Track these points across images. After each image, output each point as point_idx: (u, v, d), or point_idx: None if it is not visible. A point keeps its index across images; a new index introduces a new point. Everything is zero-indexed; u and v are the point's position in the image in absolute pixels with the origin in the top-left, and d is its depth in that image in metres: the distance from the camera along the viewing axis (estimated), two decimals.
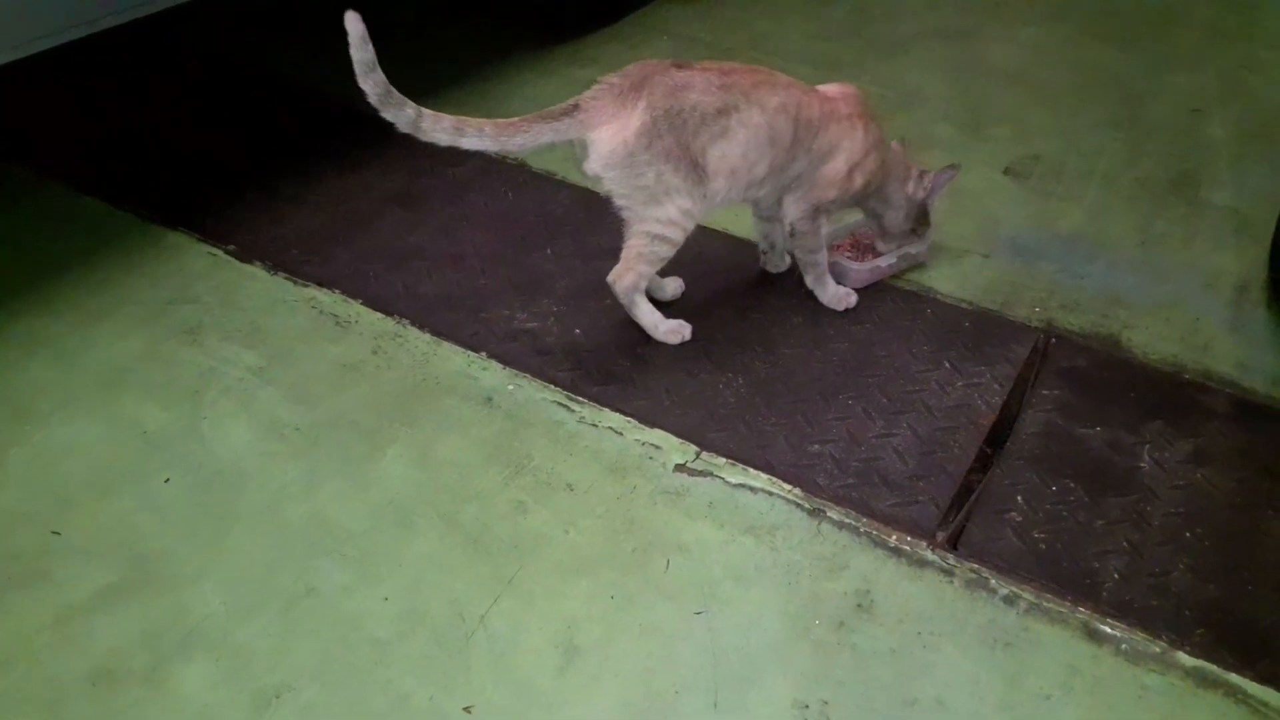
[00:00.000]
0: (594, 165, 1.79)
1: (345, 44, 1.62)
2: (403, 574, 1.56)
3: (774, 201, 2.00)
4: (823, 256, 2.05)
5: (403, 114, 1.70)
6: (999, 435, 1.81)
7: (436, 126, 1.72)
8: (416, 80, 1.76)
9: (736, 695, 1.40)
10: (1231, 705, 1.39)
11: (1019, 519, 1.64)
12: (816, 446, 1.77)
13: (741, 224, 2.26)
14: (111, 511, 1.66)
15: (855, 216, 2.22)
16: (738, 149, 1.82)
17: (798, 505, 1.67)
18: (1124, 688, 1.41)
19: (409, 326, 2.04)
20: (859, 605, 1.51)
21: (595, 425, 1.82)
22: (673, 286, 2.10)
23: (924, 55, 3.15)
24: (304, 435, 1.80)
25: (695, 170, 1.80)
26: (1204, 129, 2.75)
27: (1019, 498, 1.68)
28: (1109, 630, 1.48)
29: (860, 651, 1.45)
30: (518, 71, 3.04)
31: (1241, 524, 1.64)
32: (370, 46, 1.63)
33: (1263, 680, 1.41)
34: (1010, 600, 1.52)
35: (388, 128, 1.72)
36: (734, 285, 2.17)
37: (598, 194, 1.87)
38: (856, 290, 2.10)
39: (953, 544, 1.61)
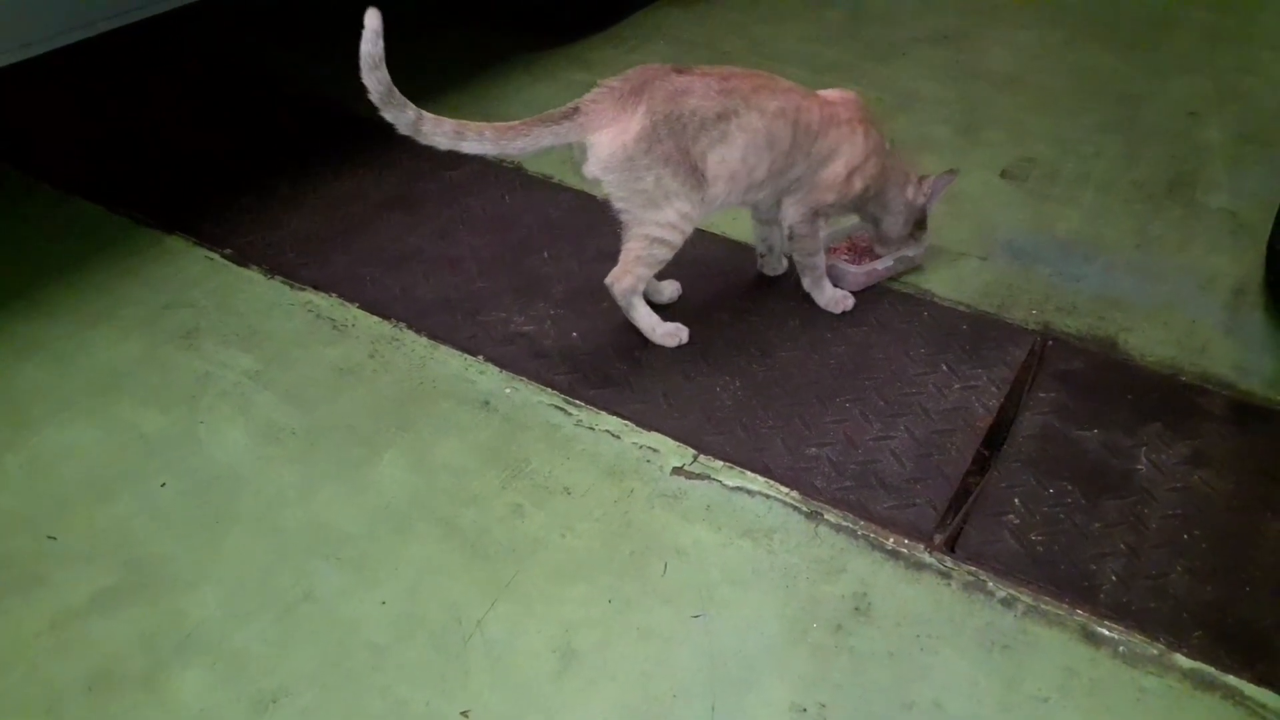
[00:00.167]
0: (593, 168, 1.79)
1: (343, 47, 1.62)
2: (400, 578, 1.56)
3: (773, 205, 2.00)
4: (820, 259, 2.05)
5: (403, 115, 1.70)
6: (996, 438, 1.81)
7: (437, 130, 1.72)
8: (414, 83, 1.76)
9: (734, 699, 1.39)
10: (1229, 707, 1.39)
11: (1016, 521, 1.64)
12: (814, 449, 1.77)
13: (739, 227, 2.26)
14: (108, 516, 1.66)
15: (853, 220, 2.22)
16: (737, 153, 1.82)
17: (795, 508, 1.67)
18: (1122, 690, 1.41)
19: (406, 330, 2.04)
20: (856, 608, 1.51)
21: (593, 428, 1.81)
22: (670, 289, 2.10)
23: (921, 58, 3.15)
24: (301, 439, 1.80)
25: (694, 174, 1.80)
26: (1201, 132, 2.75)
27: (1016, 500, 1.68)
28: (1106, 632, 1.48)
29: (858, 654, 1.45)
30: (516, 74, 3.04)
31: (1239, 526, 1.64)
32: (381, 43, 1.63)
33: (1260, 682, 1.41)
34: (1008, 603, 1.52)
35: (385, 131, 1.72)
36: (731, 288, 2.17)
37: (595, 197, 1.87)
38: (854, 293, 2.10)
39: (950, 546, 1.61)
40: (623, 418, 1.83)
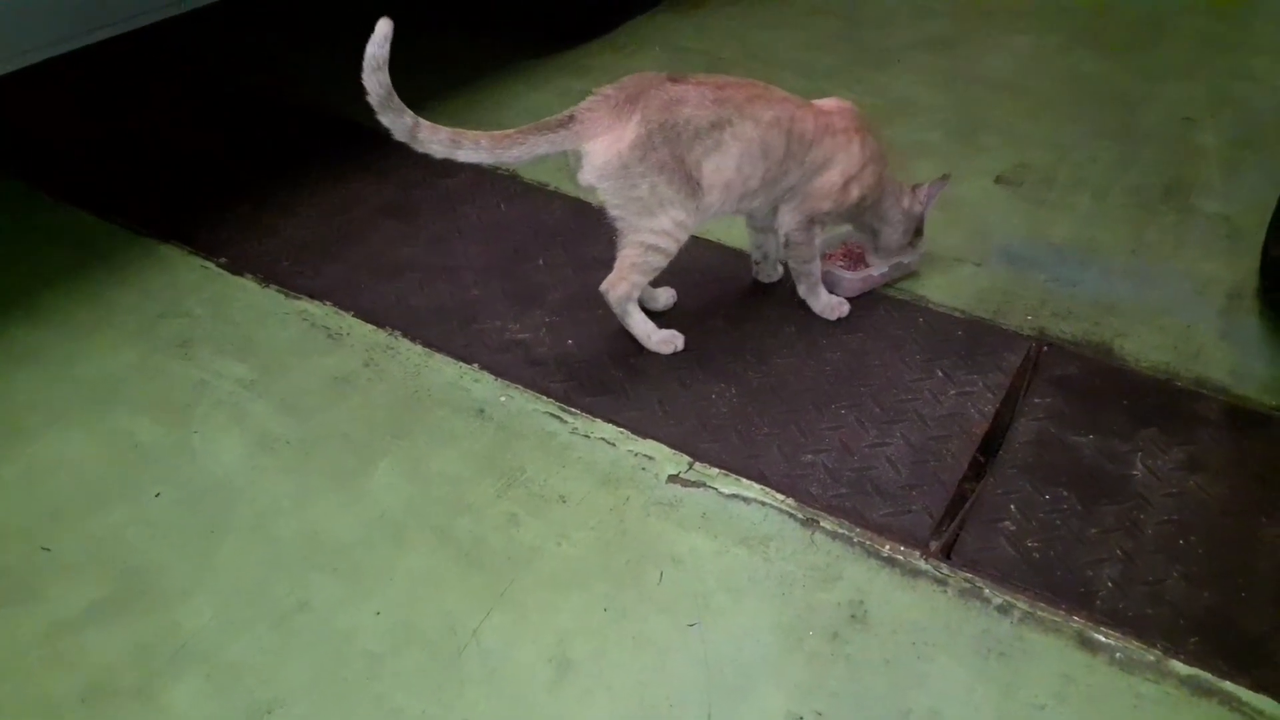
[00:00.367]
0: (588, 176, 1.79)
1: (338, 54, 1.62)
2: (395, 588, 1.55)
3: (768, 213, 2.01)
4: (816, 266, 2.05)
5: (400, 121, 1.70)
6: (992, 444, 1.81)
7: (433, 138, 1.72)
8: (412, 88, 1.76)
9: (730, 707, 1.39)
10: (1226, 713, 1.38)
11: (1012, 528, 1.64)
12: (810, 456, 1.77)
13: (734, 234, 2.26)
14: (102, 526, 1.65)
15: (847, 227, 2.22)
16: (732, 162, 1.82)
17: (791, 515, 1.66)
18: (1118, 697, 1.40)
19: (401, 338, 2.04)
20: (853, 616, 1.51)
21: (588, 436, 1.81)
22: (665, 296, 2.10)
23: (916, 65, 3.16)
24: (296, 449, 1.79)
25: (689, 183, 1.80)
26: (1195, 137, 2.76)
27: (1012, 506, 1.68)
28: (1103, 639, 1.47)
29: (854, 662, 1.45)
30: (513, 81, 3.04)
31: (1235, 531, 1.64)
32: (388, 48, 1.63)
33: (1257, 688, 1.40)
34: (1004, 609, 1.52)
35: (381, 139, 1.72)
36: (727, 295, 2.17)
37: (590, 204, 1.87)
38: (849, 299, 2.10)
39: (946, 553, 1.61)
40: (618, 425, 1.83)
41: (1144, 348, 2.02)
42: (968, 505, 1.69)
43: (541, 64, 3.13)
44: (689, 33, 3.37)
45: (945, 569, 1.57)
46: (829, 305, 2.08)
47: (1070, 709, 1.39)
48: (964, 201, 2.44)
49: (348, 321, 2.08)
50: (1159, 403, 1.89)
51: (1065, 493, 1.70)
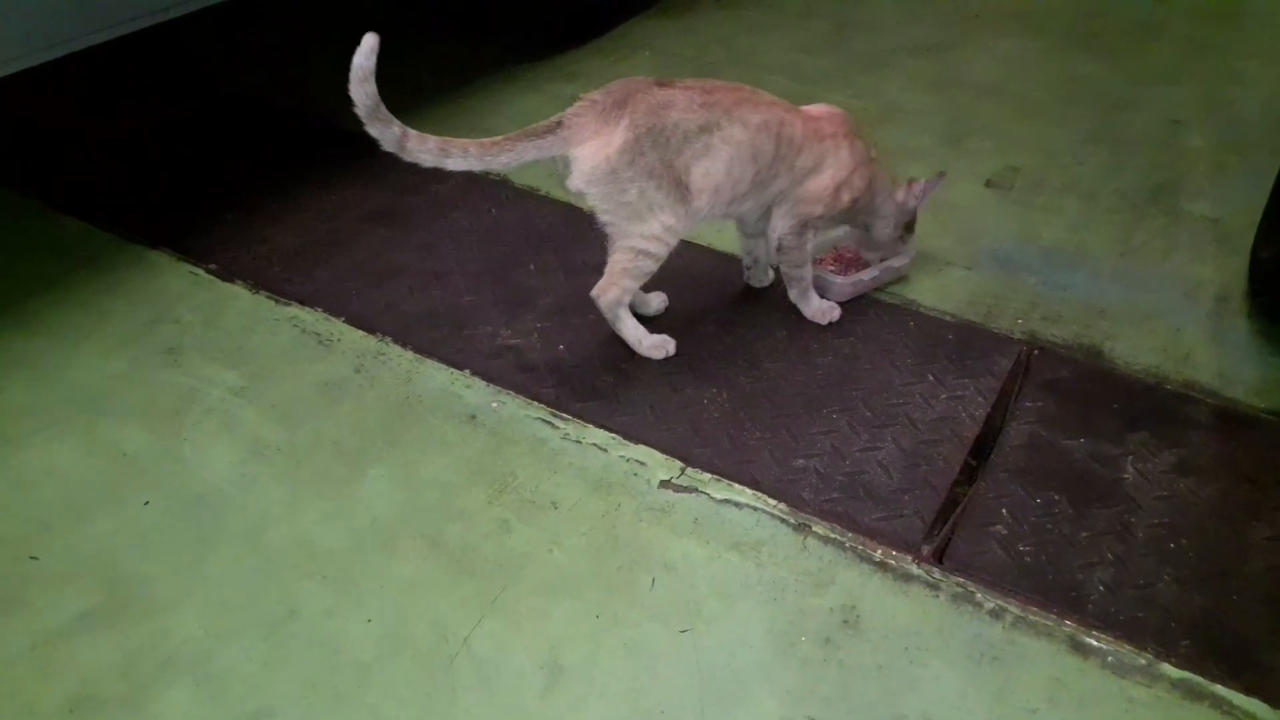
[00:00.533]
0: (577, 181, 1.79)
1: (329, 62, 1.61)
2: (385, 596, 1.55)
3: (758, 218, 2.01)
4: (808, 271, 2.05)
5: (388, 131, 1.70)
6: (983, 448, 1.81)
7: (421, 147, 1.72)
8: (400, 95, 1.76)
9: (723, 713, 1.39)
10: (1218, 717, 1.38)
11: (1004, 532, 1.64)
12: (801, 461, 1.77)
13: (725, 239, 2.26)
14: (90, 535, 1.64)
15: (839, 231, 2.23)
16: (721, 166, 1.82)
17: (783, 520, 1.66)
18: (1110, 701, 1.41)
19: (392, 344, 2.03)
20: (845, 621, 1.51)
21: (579, 442, 1.81)
22: (657, 301, 2.10)
23: (905, 69, 3.16)
24: (286, 456, 1.79)
25: (678, 187, 1.80)
26: (1183, 140, 2.77)
27: (1004, 510, 1.68)
28: (1095, 643, 1.47)
29: (847, 668, 1.45)
30: (502, 86, 3.04)
31: (1225, 534, 1.64)
32: (374, 59, 1.63)
33: (1249, 691, 1.41)
34: (996, 614, 1.52)
35: (371, 145, 1.72)
36: (718, 300, 2.17)
37: (581, 210, 1.87)
38: (840, 304, 2.10)
39: (938, 558, 1.61)
40: (610, 431, 1.83)
41: (1134, 351, 2.02)
42: (959, 509, 1.69)
43: (531, 69, 3.13)
44: (678, 38, 3.37)
45: (937, 573, 1.57)
46: (820, 309, 2.08)
47: (1062, 713, 1.39)
48: (954, 205, 2.45)
49: (338, 328, 2.08)
50: (1149, 406, 1.89)
51: (1056, 496, 1.70)
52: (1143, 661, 1.45)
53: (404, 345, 2.03)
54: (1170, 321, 2.10)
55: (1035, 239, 2.37)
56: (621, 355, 1.99)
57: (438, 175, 1.83)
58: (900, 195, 2.07)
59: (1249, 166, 2.61)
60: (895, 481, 1.73)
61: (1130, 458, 1.78)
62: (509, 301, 2.15)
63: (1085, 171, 2.63)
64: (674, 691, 1.41)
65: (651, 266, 1.88)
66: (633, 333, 1.97)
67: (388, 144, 1.71)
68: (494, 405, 1.89)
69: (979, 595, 1.54)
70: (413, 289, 2.19)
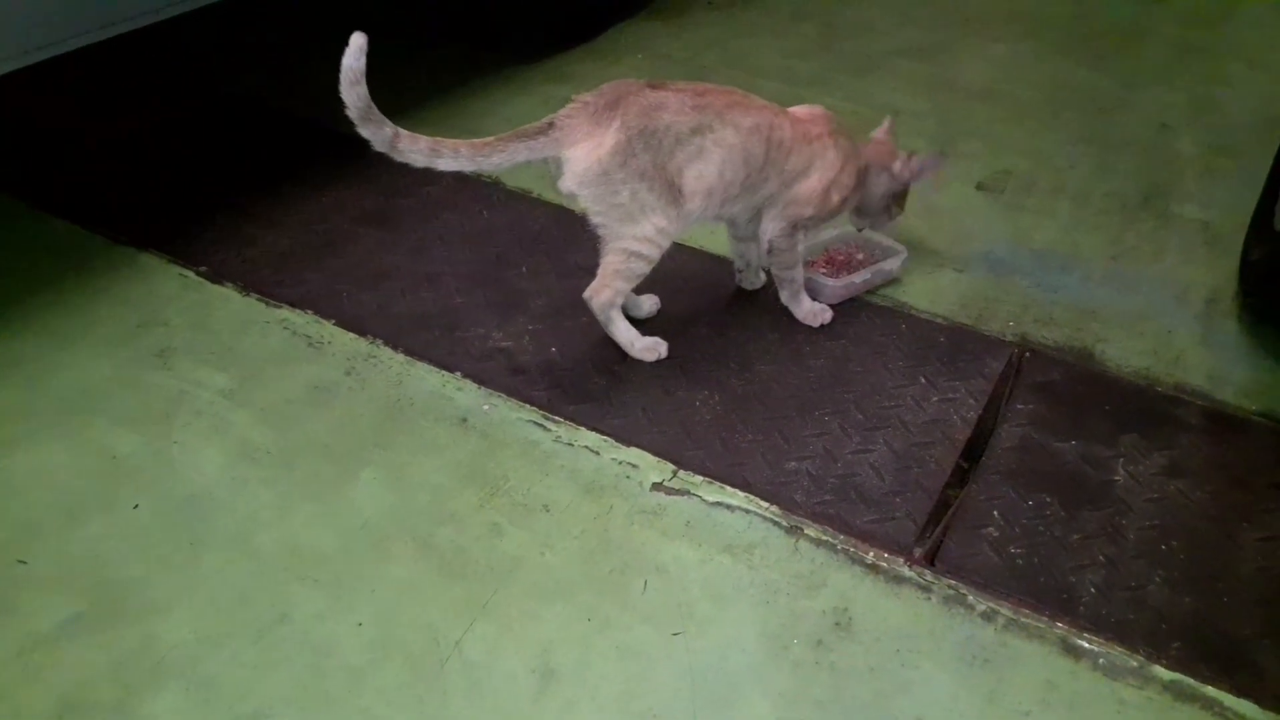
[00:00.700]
0: (568, 183, 1.79)
1: (321, 65, 1.61)
2: (376, 599, 1.54)
3: (749, 221, 2.01)
4: (799, 273, 2.05)
5: (380, 132, 1.69)
6: (975, 450, 1.81)
7: (413, 148, 1.72)
8: (393, 98, 1.75)
9: (715, 717, 1.38)
10: (1209, 718, 1.39)
11: (996, 534, 1.64)
12: (793, 463, 1.77)
13: (717, 241, 2.26)
14: (79, 539, 1.63)
15: (830, 234, 2.23)
16: (714, 169, 1.82)
17: (775, 523, 1.66)
18: (1102, 703, 1.41)
19: (383, 347, 2.03)
20: (837, 623, 1.51)
21: (571, 444, 1.81)
22: (649, 304, 2.10)
23: (896, 72, 3.17)
24: (276, 459, 1.78)
25: (670, 189, 1.80)
26: (1174, 143, 2.78)
27: (995, 513, 1.68)
28: (1086, 645, 1.48)
29: (839, 670, 1.44)
30: (495, 88, 3.04)
31: (1215, 535, 1.65)
32: (363, 60, 1.62)
33: (1239, 693, 1.41)
34: (988, 616, 1.52)
35: (361, 147, 1.71)
36: (710, 302, 2.17)
37: (574, 211, 1.87)
38: (832, 306, 2.11)
39: (930, 560, 1.61)
40: (602, 433, 1.82)
41: (1125, 353, 2.03)
42: (951, 512, 1.69)
43: (524, 72, 3.13)
44: (671, 40, 3.37)
45: (929, 576, 1.58)
46: (812, 312, 2.08)
47: (1054, 715, 1.39)
48: (945, 208, 2.45)
49: (329, 330, 2.07)
50: (1140, 408, 1.89)
51: (1048, 498, 1.71)
52: (1134, 663, 1.45)
53: (395, 348, 2.02)
54: (1161, 323, 2.11)
55: (1027, 241, 2.37)
56: (614, 357, 1.99)
57: (429, 177, 1.83)
58: (897, 166, 2.07)
59: (1238, 169, 2.62)
60: (887, 484, 1.73)
61: (1121, 460, 1.78)
62: (501, 304, 2.15)
63: (1076, 174, 2.64)
64: (666, 694, 1.41)
65: (644, 268, 1.88)
66: (625, 335, 1.97)
67: (379, 145, 1.71)
68: (485, 408, 1.88)
69: (971, 597, 1.54)
70: (404, 291, 2.18)
